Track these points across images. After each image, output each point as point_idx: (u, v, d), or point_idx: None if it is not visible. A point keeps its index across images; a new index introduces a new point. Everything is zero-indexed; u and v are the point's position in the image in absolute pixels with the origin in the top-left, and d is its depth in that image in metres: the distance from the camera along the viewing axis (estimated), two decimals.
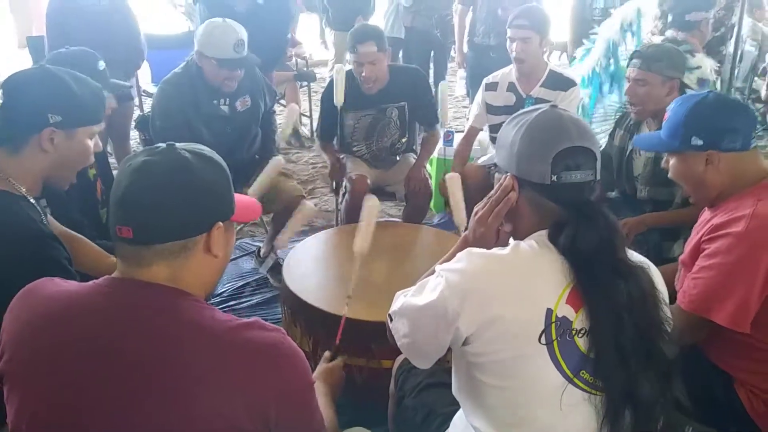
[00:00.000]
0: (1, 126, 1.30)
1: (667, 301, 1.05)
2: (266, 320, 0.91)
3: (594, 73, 3.10)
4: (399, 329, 1.07)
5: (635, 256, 1.04)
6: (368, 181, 2.66)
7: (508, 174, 1.07)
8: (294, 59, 4.70)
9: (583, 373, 0.95)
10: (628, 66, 2.16)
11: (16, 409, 0.87)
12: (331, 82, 2.67)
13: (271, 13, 3.41)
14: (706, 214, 1.50)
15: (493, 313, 0.95)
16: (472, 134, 2.87)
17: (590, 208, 1.00)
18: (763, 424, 1.36)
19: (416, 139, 2.97)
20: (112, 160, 3.35)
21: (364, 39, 2.49)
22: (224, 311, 0.91)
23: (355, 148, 2.80)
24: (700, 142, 1.41)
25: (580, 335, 0.95)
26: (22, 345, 0.88)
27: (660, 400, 0.96)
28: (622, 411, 0.95)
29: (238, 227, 3.17)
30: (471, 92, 3.80)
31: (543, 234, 1.01)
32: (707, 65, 2.71)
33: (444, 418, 1.23)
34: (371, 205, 1.72)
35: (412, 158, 2.83)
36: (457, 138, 2.97)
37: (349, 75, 2.65)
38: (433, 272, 1.06)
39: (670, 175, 1.54)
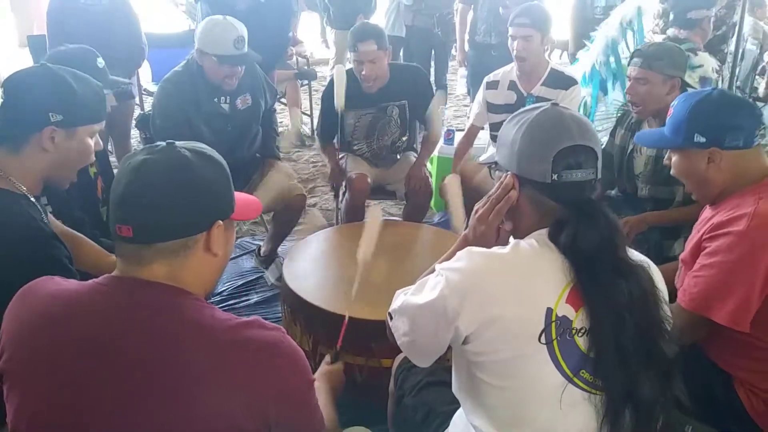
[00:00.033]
0: (2, 125, 1.30)
1: (668, 300, 1.05)
2: (266, 319, 0.91)
3: (594, 70, 3.09)
4: (399, 328, 1.07)
5: (636, 255, 1.03)
6: (368, 180, 2.66)
7: (509, 172, 1.07)
8: (295, 58, 4.70)
9: (582, 373, 0.95)
10: (629, 65, 2.15)
11: (16, 408, 0.87)
12: (332, 81, 2.67)
13: (272, 11, 3.41)
14: (707, 212, 1.50)
15: (493, 312, 0.95)
16: (472, 133, 2.87)
17: (591, 207, 1.00)
18: (762, 423, 1.35)
19: (417, 137, 2.97)
20: (112, 158, 3.36)
21: (364, 38, 2.49)
22: (224, 310, 0.91)
23: (355, 147, 2.80)
24: (702, 140, 1.41)
25: (580, 335, 0.95)
26: (22, 344, 0.88)
27: (660, 399, 0.96)
28: (622, 410, 0.95)
29: (238, 226, 3.18)
30: (472, 91, 3.80)
31: (543, 233, 1.01)
32: (709, 64, 2.71)
33: (444, 417, 1.23)
34: (375, 214, 1.71)
35: (412, 157, 2.83)
36: (458, 137, 2.97)
37: (350, 73, 2.65)
38: (433, 271, 1.06)
39: (672, 172, 1.54)
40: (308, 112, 4.88)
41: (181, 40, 4.42)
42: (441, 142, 3.25)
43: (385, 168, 2.85)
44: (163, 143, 0.91)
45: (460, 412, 1.14)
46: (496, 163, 1.13)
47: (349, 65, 2.72)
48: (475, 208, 1.13)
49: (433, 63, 4.53)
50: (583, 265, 0.96)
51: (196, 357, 0.83)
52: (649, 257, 1.06)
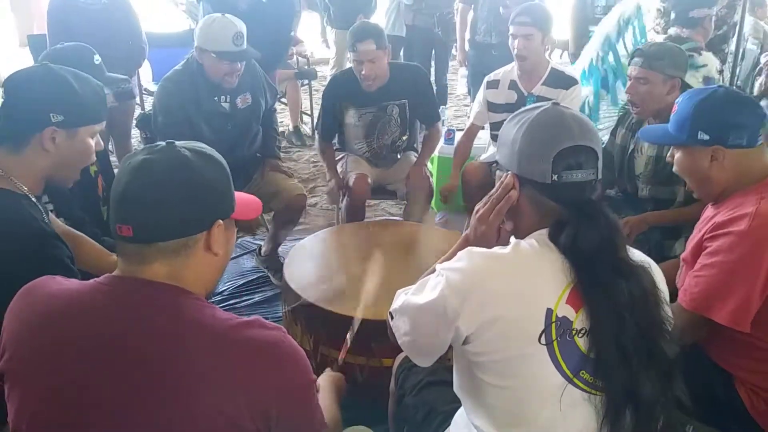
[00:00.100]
0: (3, 125, 1.30)
1: (668, 299, 1.05)
2: (267, 319, 0.91)
3: (591, 65, 3.09)
4: (400, 327, 1.07)
5: (637, 254, 1.03)
6: (368, 181, 2.66)
7: (509, 172, 1.07)
8: (295, 57, 4.70)
9: (583, 374, 0.95)
10: (629, 64, 2.15)
11: (17, 408, 0.87)
12: (333, 80, 2.66)
13: (274, 10, 3.41)
14: (708, 211, 1.50)
15: (493, 312, 0.95)
16: (472, 132, 2.87)
17: (591, 207, 1.00)
18: (764, 422, 1.35)
19: (417, 137, 2.97)
20: (113, 158, 3.36)
21: (363, 37, 2.49)
22: (225, 310, 0.91)
23: (356, 146, 2.80)
24: (706, 137, 1.41)
25: (580, 335, 0.95)
26: (23, 343, 0.88)
27: (660, 399, 0.96)
28: (623, 411, 0.95)
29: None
30: (472, 90, 3.80)
31: (543, 233, 1.01)
32: (713, 64, 2.71)
33: (445, 416, 1.23)
34: (379, 261, 1.71)
35: (413, 157, 2.83)
36: (458, 136, 2.97)
37: (350, 72, 2.65)
38: (433, 271, 1.06)
39: (674, 169, 1.54)
40: (308, 112, 4.89)
41: (181, 40, 4.42)
42: (441, 142, 3.25)
43: (385, 168, 2.85)
44: (163, 143, 0.91)
45: (461, 412, 1.14)
46: (497, 162, 1.12)
47: (349, 64, 2.72)
48: (476, 208, 1.13)
49: (433, 63, 4.53)
50: (584, 265, 0.96)
51: (197, 356, 0.83)
52: (649, 257, 1.06)
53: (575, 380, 0.95)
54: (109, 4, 3.21)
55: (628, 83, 2.13)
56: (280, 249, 2.82)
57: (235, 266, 2.87)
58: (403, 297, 1.08)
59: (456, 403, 1.13)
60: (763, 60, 3.72)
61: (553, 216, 1.01)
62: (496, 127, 2.72)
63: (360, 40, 2.49)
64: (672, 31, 2.85)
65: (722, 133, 1.40)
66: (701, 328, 1.37)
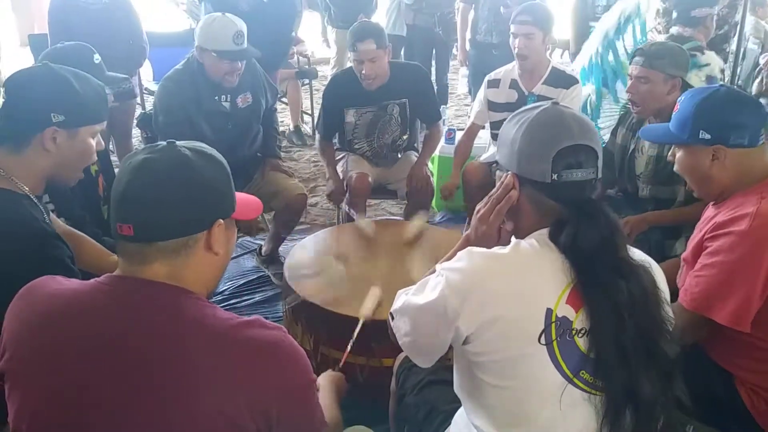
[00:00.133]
0: (4, 125, 1.30)
1: (669, 299, 1.05)
2: (267, 318, 0.91)
3: (591, 62, 3.08)
4: (400, 328, 1.07)
5: (638, 254, 1.03)
6: (369, 180, 2.66)
7: (509, 172, 1.07)
8: (296, 57, 4.70)
9: (582, 373, 0.95)
10: (630, 63, 2.15)
11: (17, 408, 0.87)
12: (333, 79, 2.66)
13: (275, 11, 3.41)
14: (709, 211, 1.50)
15: (493, 312, 0.95)
16: (473, 131, 2.87)
17: (591, 206, 1.00)
18: (764, 422, 1.35)
19: (418, 137, 2.97)
20: (114, 157, 3.36)
21: (363, 37, 2.49)
22: (226, 309, 0.91)
23: (356, 146, 2.80)
24: (707, 136, 1.41)
25: (580, 335, 0.95)
26: (23, 343, 0.88)
27: (661, 399, 0.96)
28: (623, 411, 0.95)
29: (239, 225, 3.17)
30: (473, 90, 3.80)
31: (544, 233, 1.01)
32: (716, 63, 2.71)
33: (445, 416, 1.23)
34: (376, 293, 1.72)
35: (413, 156, 2.83)
36: (459, 136, 2.97)
37: (350, 72, 2.65)
38: (434, 271, 1.06)
39: (675, 168, 1.53)
40: (309, 111, 4.89)
41: (182, 39, 4.42)
42: (442, 142, 3.25)
43: (386, 167, 2.85)
44: (164, 142, 0.91)
45: (461, 411, 1.14)
46: (497, 162, 1.12)
47: (349, 64, 2.72)
48: (477, 208, 1.13)
49: (434, 62, 4.53)
50: (584, 265, 0.96)
51: (198, 356, 0.83)
52: (650, 256, 1.06)
53: (575, 380, 0.95)
54: (110, 4, 3.21)
55: (629, 82, 2.13)
56: (280, 249, 2.82)
57: (235, 266, 2.87)
58: (403, 297, 1.08)
59: (456, 403, 1.13)
60: (762, 61, 3.73)
61: (553, 216, 1.01)
62: (496, 126, 2.72)
63: (360, 40, 2.49)
64: (674, 30, 2.85)
65: (724, 132, 1.39)
66: (702, 328, 1.37)
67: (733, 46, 3.05)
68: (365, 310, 1.64)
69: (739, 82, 3.40)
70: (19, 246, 1.19)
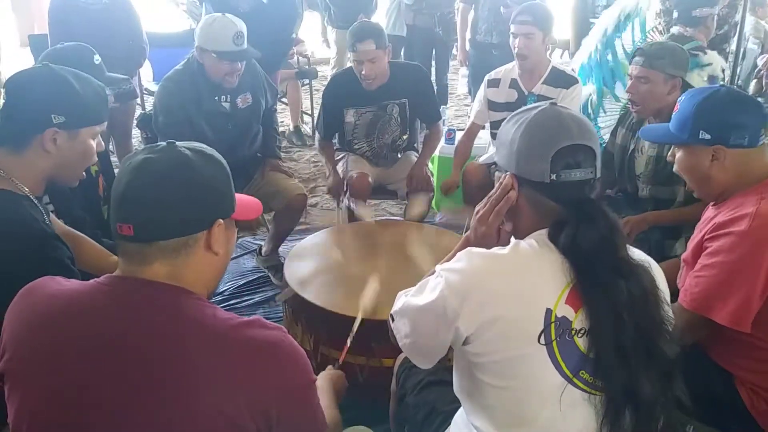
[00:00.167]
0: (4, 126, 1.30)
1: (669, 299, 1.05)
2: (267, 319, 0.91)
3: (591, 59, 3.08)
4: (400, 329, 1.07)
5: (637, 254, 1.03)
6: (369, 179, 2.66)
7: (508, 173, 1.07)
8: (296, 57, 4.70)
9: (582, 373, 0.95)
10: (630, 63, 2.15)
11: (17, 408, 0.87)
12: (333, 79, 2.66)
13: (275, 12, 3.41)
14: (709, 212, 1.50)
15: (493, 313, 0.95)
16: (473, 131, 2.87)
17: (590, 206, 1.00)
18: (764, 422, 1.35)
19: (418, 137, 2.97)
20: (114, 158, 3.36)
21: (363, 37, 2.49)
22: (226, 310, 0.91)
23: (356, 146, 2.80)
24: (707, 137, 1.41)
25: (579, 335, 0.95)
26: (23, 344, 0.88)
27: (660, 399, 0.96)
28: (623, 411, 0.95)
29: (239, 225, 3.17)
30: (473, 90, 3.79)
31: (543, 233, 1.01)
32: (718, 63, 2.71)
33: (445, 416, 1.23)
34: (375, 285, 1.71)
35: (413, 156, 2.83)
36: (459, 136, 2.97)
37: (350, 71, 2.65)
38: (434, 272, 1.06)
39: (675, 168, 1.53)
40: (309, 112, 4.89)
41: (181, 40, 4.42)
42: (442, 142, 3.25)
43: (386, 167, 2.85)
44: (164, 143, 0.91)
45: (461, 411, 1.14)
46: (495, 163, 1.12)
47: (349, 64, 2.72)
48: (476, 209, 1.13)
49: (434, 62, 4.53)
50: (583, 264, 0.96)
51: (198, 356, 0.83)
52: (650, 256, 1.06)
53: (575, 380, 0.95)
54: (110, 4, 3.21)
55: (629, 82, 2.13)
56: (280, 249, 2.82)
57: (235, 266, 2.88)
58: (403, 299, 1.09)
59: (456, 403, 1.13)
60: (760, 62, 3.74)
61: (552, 216, 1.01)
62: (496, 126, 2.72)
63: (360, 40, 2.49)
64: (675, 30, 2.85)
65: (724, 132, 1.39)
66: (702, 329, 1.37)
67: (733, 46, 3.05)
68: (366, 299, 1.62)
69: (739, 82, 3.40)
70: (18, 247, 1.19)
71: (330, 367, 1.40)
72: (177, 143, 0.91)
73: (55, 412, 0.84)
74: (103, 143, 1.44)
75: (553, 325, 0.94)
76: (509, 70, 2.72)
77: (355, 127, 2.75)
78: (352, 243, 2.26)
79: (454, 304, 0.96)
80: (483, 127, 2.88)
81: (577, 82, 2.65)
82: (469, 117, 3.08)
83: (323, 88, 2.90)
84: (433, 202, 2.85)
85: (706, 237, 1.39)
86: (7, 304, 0.94)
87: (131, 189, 0.87)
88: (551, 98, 2.57)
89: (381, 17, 4.51)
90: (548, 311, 0.94)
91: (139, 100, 4.03)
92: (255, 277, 2.80)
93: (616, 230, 0.99)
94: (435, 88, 3.10)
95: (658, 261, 1.08)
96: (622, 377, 0.93)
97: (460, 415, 1.15)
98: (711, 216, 1.45)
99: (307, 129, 4.74)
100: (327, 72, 5.01)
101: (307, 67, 4.77)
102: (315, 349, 1.86)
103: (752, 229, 1.30)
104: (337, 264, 2.14)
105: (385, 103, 2.70)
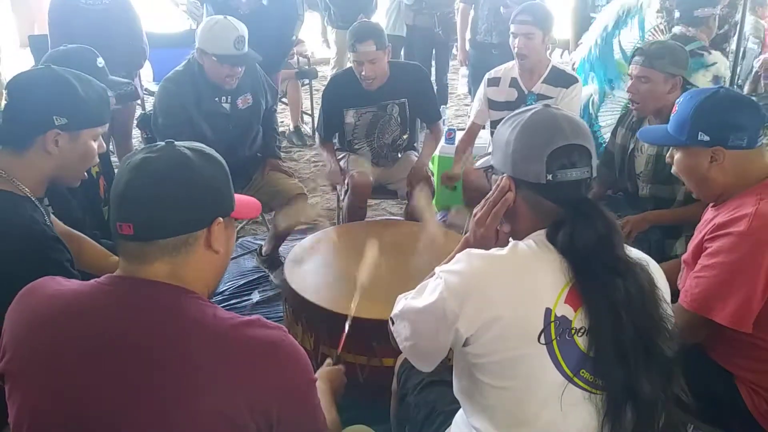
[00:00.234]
0: (6, 127, 1.30)
1: (669, 298, 1.05)
2: (268, 318, 0.91)
3: (591, 55, 3.07)
4: (400, 332, 1.08)
5: (635, 252, 1.03)
6: (370, 179, 2.66)
7: (505, 175, 1.07)
8: (296, 57, 4.70)
9: (583, 372, 0.95)
10: (630, 63, 2.15)
11: (18, 408, 0.87)
12: (333, 80, 2.66)
13: (275, 14, 3.41)
14: (709, 212, 1.50)
15: (493, 314, 0.95)
16: (473, 131, 2.87)
17: (587, 205, 1.00)
18: (765, 422, 1.35)
19: (418, 137, 2.97)
20: (114, 158, 3.37)
21: (363, 38, 2.50)
22: (226, 309, 0.91)
23: (356, 146, 2.80)
24: (706, 138, 1.41)
25: (579, 334, 0.95)
26: (24, 344, 0.89)
27: (661, 398, 0.96)
28: (623, 409, 0.95)
29: (240, 225, 3.18)
30: (473, 90, 3.79)
31: (541, 233, 1.01)
32: (722, 62, 2.71)
33: (446, 416, 1.23)
34: (372, 251, 1.71)
35: (413, 156, 2.83)
36: (459, 136, 2.97)
37: (350, 72, 2.65)
38: (433, 274, 1.06)
39: (673, 170, 1.53)
40: (309, 112, 4.89)
41: (182, 40, 4.42)
42: (442, 142, 3.25)
43: (386, 167, 2.85)
44: (163, 142, 0.91)
45: (461, 412, 1.14)
46: (492, 167, 1.13)
47: (349, 64, 2.73)
48: (474, 211, 1.13)
49: (434, 62, 4.53)
50: (581, 264, 0.96)
51: (198, 356, 0.83)
52: (650, 256, 1.06)
53: (575, 379, 0.95)
54: (110, 5, 3.21)
55: (630, 82, 2.13)
56: (280, 249, 2.83)
57: (235, 266, 2.87)
58: (403, 302, 1.09)
59: (457, 403, 1.13)
60: (756, 63, 3.74)
61: (550, 217, 1.02)
62: (496, 125, 2.71)
63: (360, 41, 2.50)
64: (677, 29, 2.85)
65: (722, 134, 1.39)
66: (702, 329, 1.37)
67: (733, 46, 3.05)
68: (362, 273, 1.61)
69: (739, 81, 3.40)
70: (19, 247, 1.19)
71: (328, 361, 1.40)
72: (176, 143, 0.91)
73: (55, 412, 0.84)
74: (104, 144, 1.44)
75: (552, 324, 0.94)
76: (509, 69, 2.72)
77: (355, 127, 2.75)
78: (352, 243, 2.27)
79: (453, 306, 0.96)
80: (483, 127, 2.89)
81: (577, 81, 2.65)
82: (469, 116, 3.08)
83: (323, 88, 2.91)
84: (434, 201, 2.85)
85: (705, 238, 1.39)
86: (7, 304, 0.94)
87: (131, 188, 0.87)
88: (551, 97, 2.58)
89: (381, 17, 4.51)
90: (548, 311, 0.94)
91: (139, 101, 4.03)
92: (255, 276, 2.80)
93: (613, 229, 0.99)
94: (435, 87, 3.11)
95: (658, 261, 1.08)
96: (622, 375, 0.93)
97: (460, 415, 1.15)
98: (710, 217, 1.45)
99: (307, 129, 4.74)
100: (327, 72, 5.01)
101: (307, 67, 4.77)
102: (315, 348, 1.86)
103: (752, 229, 1.30)
104: (337, 263, 2.14)
105: (385, 103, 2.70)
